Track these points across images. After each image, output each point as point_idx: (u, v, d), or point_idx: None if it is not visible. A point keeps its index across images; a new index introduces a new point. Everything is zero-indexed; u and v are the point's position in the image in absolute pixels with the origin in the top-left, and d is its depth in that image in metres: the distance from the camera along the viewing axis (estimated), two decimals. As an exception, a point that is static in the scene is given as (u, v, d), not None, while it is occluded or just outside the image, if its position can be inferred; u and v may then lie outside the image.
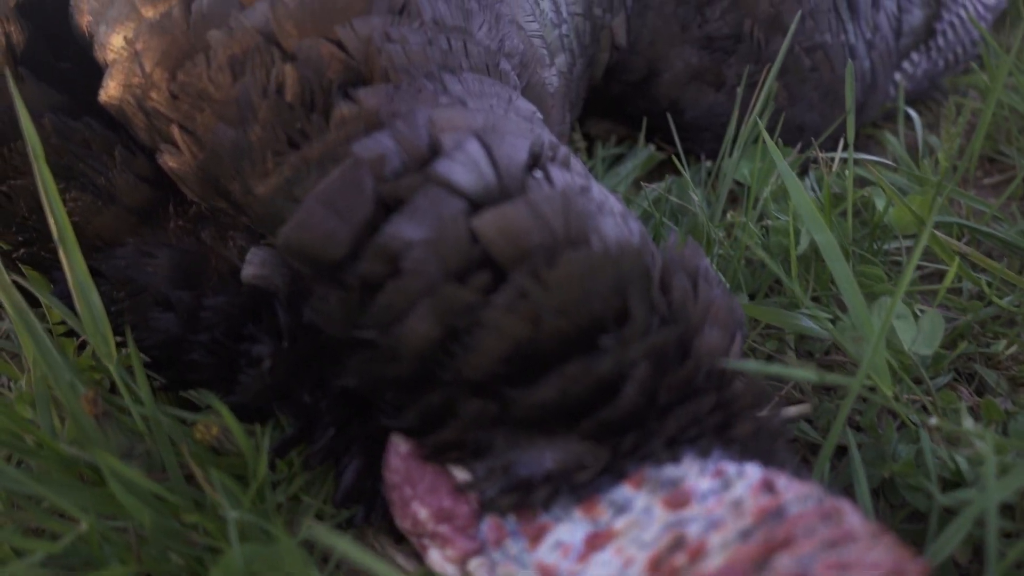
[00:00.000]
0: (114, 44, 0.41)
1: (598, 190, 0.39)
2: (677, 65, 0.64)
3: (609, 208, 0.38)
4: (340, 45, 0.38)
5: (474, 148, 0.36)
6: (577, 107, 0.59)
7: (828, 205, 0.51)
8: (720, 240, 0.53)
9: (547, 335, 0.33)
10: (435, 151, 0.36)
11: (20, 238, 0.45)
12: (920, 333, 0.46)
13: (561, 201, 0.35)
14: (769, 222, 0.55)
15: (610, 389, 0.34)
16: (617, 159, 0.68)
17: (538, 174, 0.36)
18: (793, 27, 0.54)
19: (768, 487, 0.33)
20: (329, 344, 0.37)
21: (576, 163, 0.40)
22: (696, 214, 0.55)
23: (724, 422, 0.36)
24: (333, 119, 0.37)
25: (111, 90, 0.41)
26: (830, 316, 0.49)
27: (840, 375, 0.49)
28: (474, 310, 0.33)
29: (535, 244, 0.33)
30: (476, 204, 0.34)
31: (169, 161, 0.40)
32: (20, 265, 0.46)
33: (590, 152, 0.70)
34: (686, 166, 0.59)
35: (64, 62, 0.44)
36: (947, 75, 0.83)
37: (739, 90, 0.58)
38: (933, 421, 0.39)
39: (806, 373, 0.38)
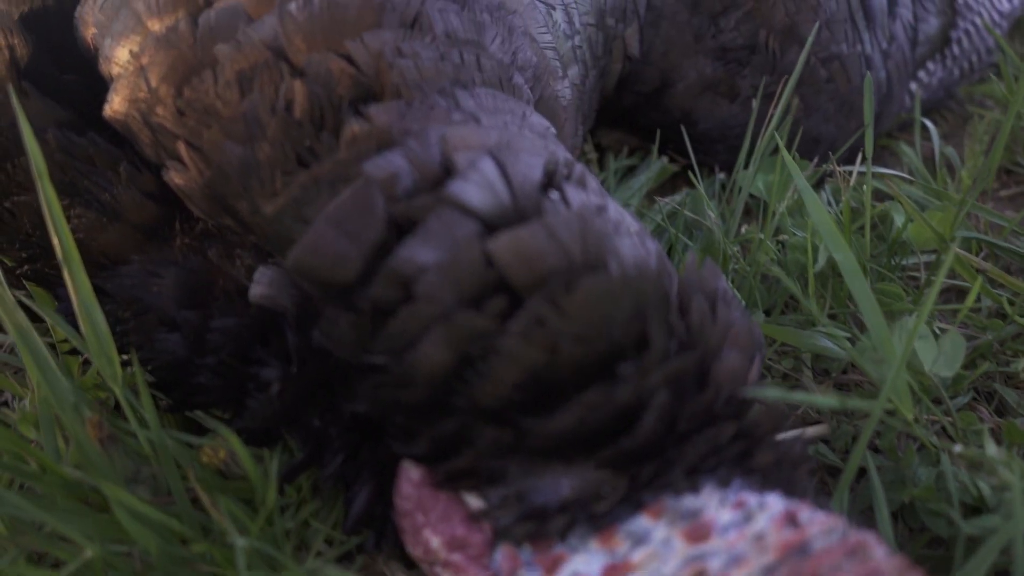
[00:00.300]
0: (119, 58, 0.40)
1: (614, 209, 0.38)
2: (690, 76, 0.63)
3: (626, 228, 0.37)
4: (350, 60, 0.38)
5: (488, 167, 0.35)
6: (590, 119, 0.58)
7: (848, 223, 0.50)
8: (736, 256, 0.52)
9: (564, 363, 0.33)
10: (448, 170, 0.35)
11: (24, 255, 0.44)
12: (941, 354, 0.45)
13: (578, 223, 0.34)
14: (785, 237, 0.54)
15: (629, 417, 0.33)
16: (629, 171, 0.68)
17: (554, 195, 0.35)
18: (811, 39, 0.53)
19: (791, 520, 0.32)
20: (339, 367, 0.36)
21: (592, 180, 0.39)
22: (711, 229, 0.54)
23: (744, 450, 0.35)
24: (343, 137, 0.36)
25: (116, 105, 0.40)
26: (848, 335, 0.48)
27: (859, 397, 0.48)
28: (489, 337, 0.32)
29: (552, 269, 0.33)
30: (490, 225, 0.33)
31: (175, 178, 0.39)
32: (24, 282, 0.45)
33: (601, 163, 0.69)
34: (700, 179, 0.58)
35: (68, 74, 0.44)
36: (962, 84, 0.82)
37: (755, 102, 0.57)
38: (958, 449, 0.38)
39: (827, 400, 0.37)
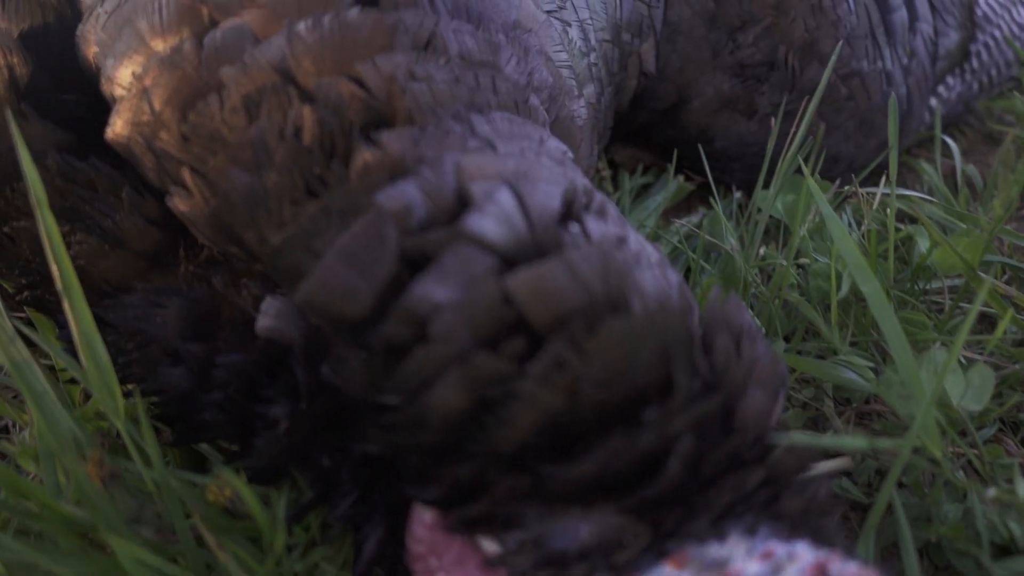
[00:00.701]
0: (122, 79, 0.39)
1: (635, 239, 0.37)
2: (707, 92, 0.61)
3: (647, 259, 0.36)
4: (361, 84, 0.36)
5: (505, 198, 0.33)
6: (605, 137, 0.57)
7: (874, 252, 0.48)
8: (756, 281, 0.51)
9: (585, 407, 0.31)
10: (464, 202, 0.33)
11: (24, 281, 0.43)
12: (969, 388, 0.44)
13: (599, 258, 0.32)
14: (806, 261, 0.53)
15: (652, 463, 0.32)
16: (643, 188, 0.66)
17: (574, 228, 0.34)
18: (834, 57, 0.51)
19: (822, 572, 0.31)
20: (349, 405, 0.35)
21: (611, 208, 0.38)
22: (730, 253, 0.52)
23: (771, 496, 0.34)
24: (354, 165, 0.35)
25: (118, 128, 0.38)
26: (871, 364, 0.47)
27: (883, 429, 0.47)
28: (507, 380, 0.31)
29: (573, 308, 0.31)
30: (508, 260, 0.32)
31: (179, 204, 0.37)
32: (25, 308, 0.44)
33: (615, 180, 0.67)
34: (717, 198, 0.56)
35: (69, 94, 0.42)
36: (981, 98, 0.81)
37: (775, 121, 0.55)
38: (991, 493, 0.37)
39: (855, 441, 0.36)
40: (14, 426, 0.48)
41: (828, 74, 0.50)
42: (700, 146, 0.61)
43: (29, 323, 0.47)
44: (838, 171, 0.64)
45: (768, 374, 0.36)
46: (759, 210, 0.54)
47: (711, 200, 0.58)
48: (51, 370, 0.48)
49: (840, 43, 0.58)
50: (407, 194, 0.33)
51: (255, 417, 0.37)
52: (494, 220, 0.33)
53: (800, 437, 0.34)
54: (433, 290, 0.31)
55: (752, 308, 0.51)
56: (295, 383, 0.36)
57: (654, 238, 0.58)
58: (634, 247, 0.36)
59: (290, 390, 0.37)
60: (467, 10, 0.41)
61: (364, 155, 0.35)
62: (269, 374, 0.37)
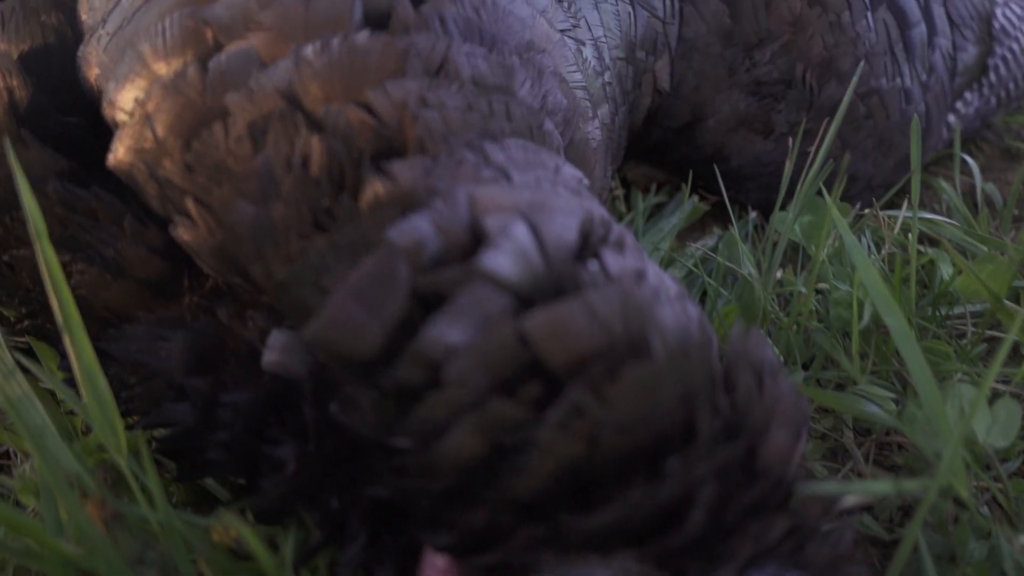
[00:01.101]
0: (124, 103, 0.38)
1: (653, 272, 0.36)
2: (723, 110, 0.60)
3: (665, 293, 0.34)
4: (371, 110, 0.35)
5: (521, 232, 0.32)
6: (618, 157, 0.56)
7: (898, 282, 0.47)
8: (774, 308, 0.49)
9: (605, 455, 0.30)
10: (478, 237, 0.32)
11: (24, 310, 0.42)
12: (995, 423, 0.42)
13: (618, 299, 0.31)
14: (824, 286, 0.52)
15: (674, 511, 0.31)
16: (657, 207, 0.65)
17: (592, 265, 0.33)
18: (855, 79, 0.50)
19: (848, 625, 0.30)
20: (359, 445, 0.34)
21: (629, 238, 0.37)
22: (747, 278, 0.51)
23: (796, 545, 0.32)
24: (364, 196, 0.34)
25: (120, 154, 0.37)
26: (892, 395, 0.46)
27: (908, 468, 0.46)
28: (524, 427, 0.30)
29: (592, 351, 0.30)
30: (524, 299, 0.31)
31: (183, 234, 0.36)
32: (27, 336, 0.43)
33: (628, 199, 0.66)
34: (733, 218, 0.55)
35: (70, 116, 0.41)
36: (999, 113, 0.79)
37: (794, 141, 0.54)
38: (1022, 541, 0.35)
39: (882, 486, 0.34)
40: (15, 454, 0.47)
41: (849, 94, 0.49)
42: (715, 165, 0.60)
43: (30, 350, 0.46)
44: (855, 190, 0.63)
45: (790, 413, 0.34)
46: (777, 233, 0.53)
47: (726, 221, 0.56)
48: (53, 395, 0.47)
49: (860, 62, 0.57)
50: (419, 229, 0.32)
51: (262, 458, 0.36)
52: (509, 256, 0.31)
53: (825, 486, 0.33)
54: (447, 332, 0.30)
55: (770, 335, 0.50)
56: (303, 422, 0.35)
57: (669, 261, 0.57)
58: (653, 281, 0.35)
59: (297, 430, 0.35)
60: (480, 32, 0.40)
61: (374, 186, 0.34)
62: (276, 413, 0.36)
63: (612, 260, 0.34)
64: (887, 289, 0.40)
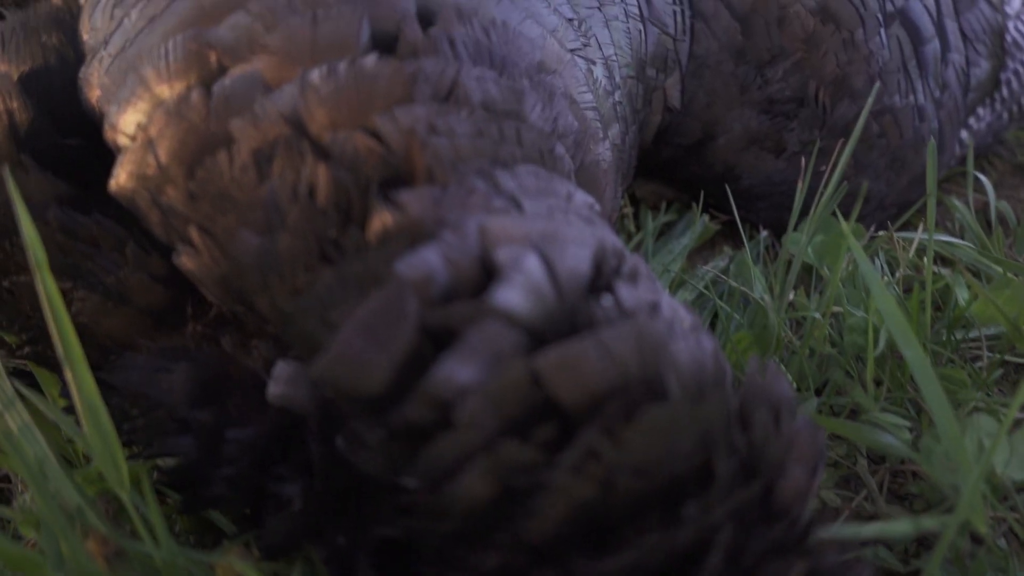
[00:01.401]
0: (125, 127, 0.37)
1: (667, 303, 0.35)
2: (735, 129, 0.59)
3: (680, 325, 0.34)
4: (378, 137, 0.34)
5: (533, 265, 0.31)
6: (628, 177, 0.55)
7: (916, 310, 0.46)
8: (787, 335, 0.49)
9: (620, 499, 0.29)
10: (489, 270, 0.31)
11: (25, 336, 0.41)
12: (1014, 455, 0.42)
13: (633, 336, 0.30)
14: (838, 309, 0.51)
15: (690, 557, 0.30)
16: (666, 225, 0.64)
17: (606, 299, 0.32)
18: (871, 99, 0.49)
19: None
20: (367, 482, 0.33)
21: (642, 267, 0.36)
22: (759, 302, 0.50)
23: (814, 587, 0.32)
24: (372, 227, 0.33)
25: (122, 180, 0.36)
26: (908, 424, 0.45)
27: (923, 498, 0.45)
28: (537, 470, 0.29)
29: (607, 391, 0.29)
30: (536, 336, 0.30)
31: (187, 263, 0.35)
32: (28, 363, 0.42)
33: (637, 218, 0.65)
34: (744, 237, 0.54)
35: (71, 138, 0.40)
36: (1011, 128, 0.78)
37: (804, 160, 0.53)
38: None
39: (901, 527, 0.34)
40: (16, 477, 0.46)
41: (865, 115, 0.48)
42: (726, 184, 0.59)
43: (31, 373, 0.45)
44: (868, 210, 0.62)
45: (807, 450, 0.34)
46: (791, 255, 0.52)
47: (737, 240, 0.56)
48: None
49: (874, 82, 0.56)
50: (428, 262, 0.31)
51: (267, 495, 0.35)
52: (521, 291, 0.30)
53: (848, 530, 0.33)
54: (457, 371, 0.29)
55: (783, 359, 0.49)
56: (309, 458, 0.35)
57: (679, 283, 0.56)
58: (667, 313, 0.34)
59: (304, 466, 0.35)
60: (490, 54, 0.39)
61: (382, 217, 0.33)
62: (282, 448, 0.35)
63: (626, 293, 0.33)
64: (904, 318, 0.39)
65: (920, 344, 0.47)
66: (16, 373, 0.43)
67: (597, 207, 0.40)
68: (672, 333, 0.32)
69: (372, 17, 0.37)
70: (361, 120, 0.34)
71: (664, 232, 0.63)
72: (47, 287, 0.33)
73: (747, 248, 0.54)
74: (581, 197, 0.39)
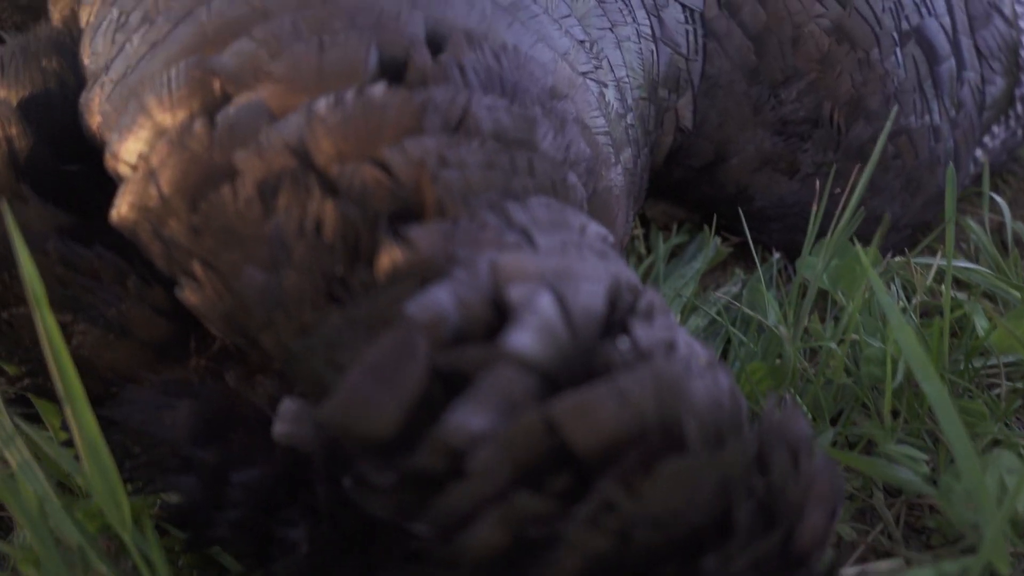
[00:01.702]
0: (126, 156, 0.36)
1: (683, 340, 0.34)
2: (747, 150, 0.58)
3: (696, 362, 0.33)
4: (387, 170, 0.33)
5: (546, 305, 0.30)
6: (640, 200, 0.54)
7: (936, 347, 0.45)
8: (803, 365, 0.48)
9: (637, 551, 0.28)
10: (501, 310, 0.30)
11: (25, 368, 0.40)
12: (1036, 492, 0.40)
13: (650, 381, 0.29)
14: (854, 336, 0.50)
15: None
16: (677, 247, 0.63)
17: (622, 342, 0.31)
18: (889, 123, 0.48)
19: None
20: (375, 526, 0.32)
21: (657, 301, 0.35)
22: (773, 330, 0.49)
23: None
24: (380, 264, 0.32)
25: (124, 211, 0.35)
26: (926, 457, 0.44)
27: (940, 533, 0.44)
28: (552, 521, 0.28)
29: (623, 439, 0.28)
30: (551, 380, 0.29)
31: (190, 297, 0.34)
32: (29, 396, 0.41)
33: (647, 239, 0.64)
34: (757, 262, 0.53)
35: (71, 164, 0.39)
36: (1025, 145, 0.77)
37: (821, 182, 0.52)
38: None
39: (923, 573, 0.33)
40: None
41: (883, 139, 0.47)
42: (738, 205, 0.58)
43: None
44: (883, 232, 0.61)
45: (826, 491, 0.33)
46: (805, 281, 0.51)
47: (750, 264, 0.55)
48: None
49: (890, 102, 0.56)
50: (439, 302, 0.30)
51: (273, 539, 0.34)
52: (535, 333, 0.30)
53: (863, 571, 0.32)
54: (470, 419, 0.28)
55: (796, 389, 0.48)
56: (316, 499, 0.34)
57: (691, 309, 0.55)
58: (683, 351, 0.33)
59: (310, 508, 0.34)
60: (501, 81, 0.38)
61: (391, 253, 0.32)
62: (288, 489, 0.34)
63: (641, 332, 0.32)
64: (924, 353, 0.38)
65: (939, 374, 0.46)
66: (18, 400, 0.43)
67: (611, 238, 0.39)
68: (689, 372, 0.31)
69: (380, 43, 0.36)
70: (369, 152, 0.33)
71: (675, 254, 0.62)
72: (46, 324, 0.33)
73: (760, 272, 0.53)
74: (594, 229, 0.38)
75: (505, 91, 0.38)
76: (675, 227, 0.64)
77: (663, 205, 0.64)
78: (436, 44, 0.38)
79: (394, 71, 0.36)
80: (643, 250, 0.63)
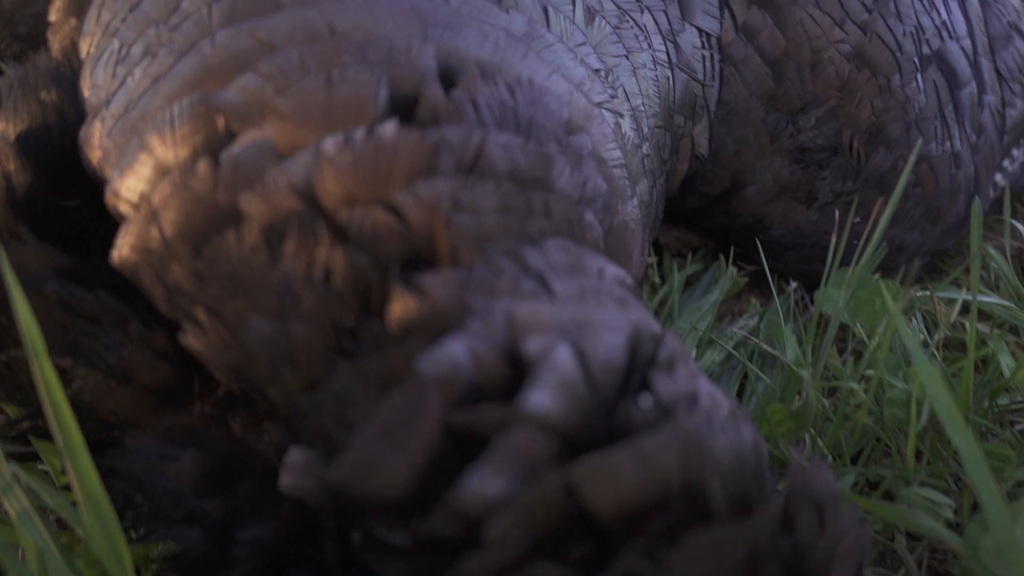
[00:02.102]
0: (128, 195, 0.35)
1: (705, 391, 0.33)
2: (764, 179, 0.57)
3: (718, 415, 0.32)
4: (399, 215, 0.32)
5: (565, 359, 0.29)
6: (656, 230, 0.53)
7: (965, 395, 0.44)
8: (823, 406, 0.46)
9: None
10: (518, 365, 0.29)
11: (24, 411, 0.39)
12: (1067, 542, 0.39)
13: (674, 443, 0.28)
14: (870, 372, 0.49)
15: None
16: (692, 275, 0.62)
17: (644, 400, 0.30)
18: (913, 157, 0.47)
19: None
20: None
21: (678, 350, 0.33)
22: (793, 368, 0.48)
23: None
24: (392, 314, 0.31)
25: (125, 252, 0.34)
26: (951, 503, 0.43)
27: (960, 571, 0.43)
28: None
29: (647, 506, 0.27)
30: (570, 441, 0.28)
31: (193, 343, 0.33)
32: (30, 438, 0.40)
33: (660, 266, 0.63)
34: (774, 293, 0.52)
35: (71, 199, 0.38)
36: (1043, 167, 0.76)
37: (840, 211, 0.51)
38: None
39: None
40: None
41: (907, 174, 0.46)
42: (754, 234, 0.57)
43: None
44: (901, 261, 0.60)
45: (853, 549, 0.32)
46: (826, 315, 0.49)
47: (765, 290, 0.53)
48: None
49: (911, 129, 0.54)
50: (453, 357, 0.29)
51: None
52: (554, 392, 0.28)
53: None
54: (487, 484, 0.27)
55: (814, 428, 0.47)
56: (325, 558, 0.32)
57: (707, 343, 0.54)
58: (705, 402, 0.32)
59: (319, 568, 0.33)
60: (515, 117, 0.37)
61: (403, 303, 0.31)
62: (296, 547, 0.33)
63: (663, 385, 0.31)
64: (951, 399, 0.37)
65: (962, 415, 0.45)
66: (19, 437, 0.42)
67: (628, 280, 0.37)
68: (711, 427, 0.30)
69: (391, 78, 0.35)
70: (380, 195, 0.32)
71: (690, 282, 0.61)
72: (45, 376, 0.31)
73: (778, 304, 0.52)
74: (612, 272, 0.36)
75: (520, 127, 0.37)
76: (689, 255, 0.62)
77: (677, 231, 0.63)
78: (449, 78, 0.37)
79: (405, 107, 0.35)
80: (657, 279, 0.61)
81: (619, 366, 0.30)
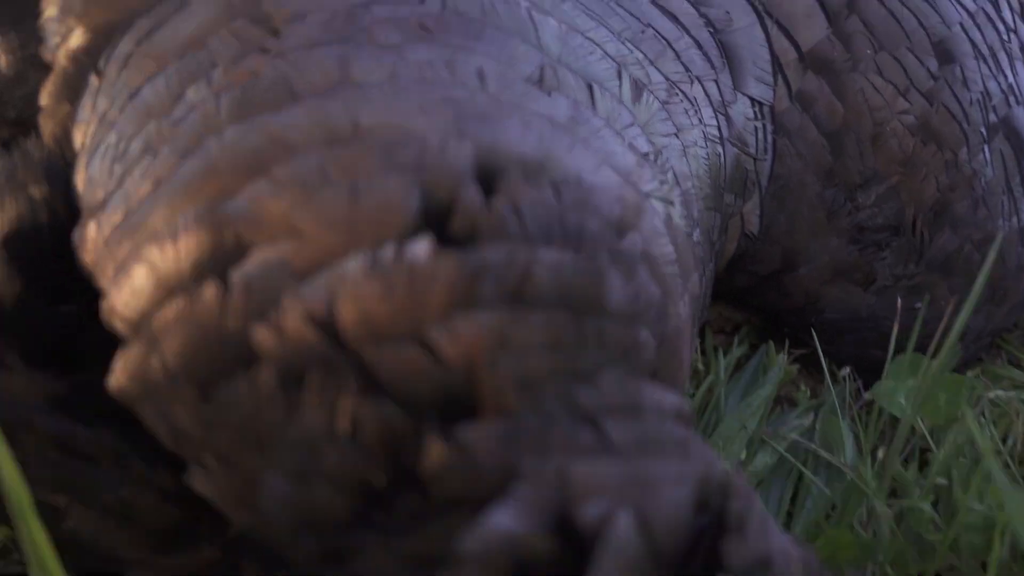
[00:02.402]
0: (125, 313, 0.30)
1: (777, 547, 0.29)
2: (820, 259, 0.53)
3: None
4: (434, 354, 0.28)
5: (625, 530, 0.26)
6: (703, 318, 0.49)
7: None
8: (890, 522, 0.42)
9: None
10: (572, 540, 0.26)
11: (13, 531, 0.35)
12: None
13: None
14: (942, 480, 0.45)
15: None
16: (739, 357, 0.58)
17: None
18: (994, 253, 0.43)
19: None
20: None
21: (750, 500, 0.30)
22: (850, 474, 0.44)
23: None
24: (427, 475, 0.27)
25: (123, 380, 0.30)
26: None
27: None
28: None
29: None
30: None
31: (200, 484, 0.29)
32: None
33: (702, 346, 0.59)
34: (830, 384, 0.48)
35: (65, 304, 0.34)
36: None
37: (900, 295, 0.47)
38: None
39: None
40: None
41: (987, 271, 0.42)
42: (807, 316, 0.53)
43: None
44: (964, 344, 0.56)
45: None
46: (883, 408, 0.46)
47: (816, 374, 0.50)
48: None
49: (978, 206, 0.50)
50: (499, 534, 0.25)
51: None
52: (615, 572, 0.25)
53: None
54: None
55: (883, 555, 0.43)
56: None
57: (759, 444, 0.50)
58: (779, 564, 0.28)
59: None
60: (563, 225, 0.33)
61: (441, 461, 0.27)
62: None
63: (735, 552, 0.27)
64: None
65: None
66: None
67: (685, 409, 0.34)
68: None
69: (423, 184, 0.31)
70: (412, 330, 0.28)
71: (737, 367, 0.57)
72: (34, 539, 0.28)
73: (834, 396, 0.48)
74: (670, 404, 0.32)
75: (568, 238, 0.33)
76: (735, 338, 0.58)
77: (720, 308, 0.59)
78: (487, 178, 0.32)
79: (438, 216, 0.31)
80: (700, 365, 0.57)
81: (684, 529, 0.27)
